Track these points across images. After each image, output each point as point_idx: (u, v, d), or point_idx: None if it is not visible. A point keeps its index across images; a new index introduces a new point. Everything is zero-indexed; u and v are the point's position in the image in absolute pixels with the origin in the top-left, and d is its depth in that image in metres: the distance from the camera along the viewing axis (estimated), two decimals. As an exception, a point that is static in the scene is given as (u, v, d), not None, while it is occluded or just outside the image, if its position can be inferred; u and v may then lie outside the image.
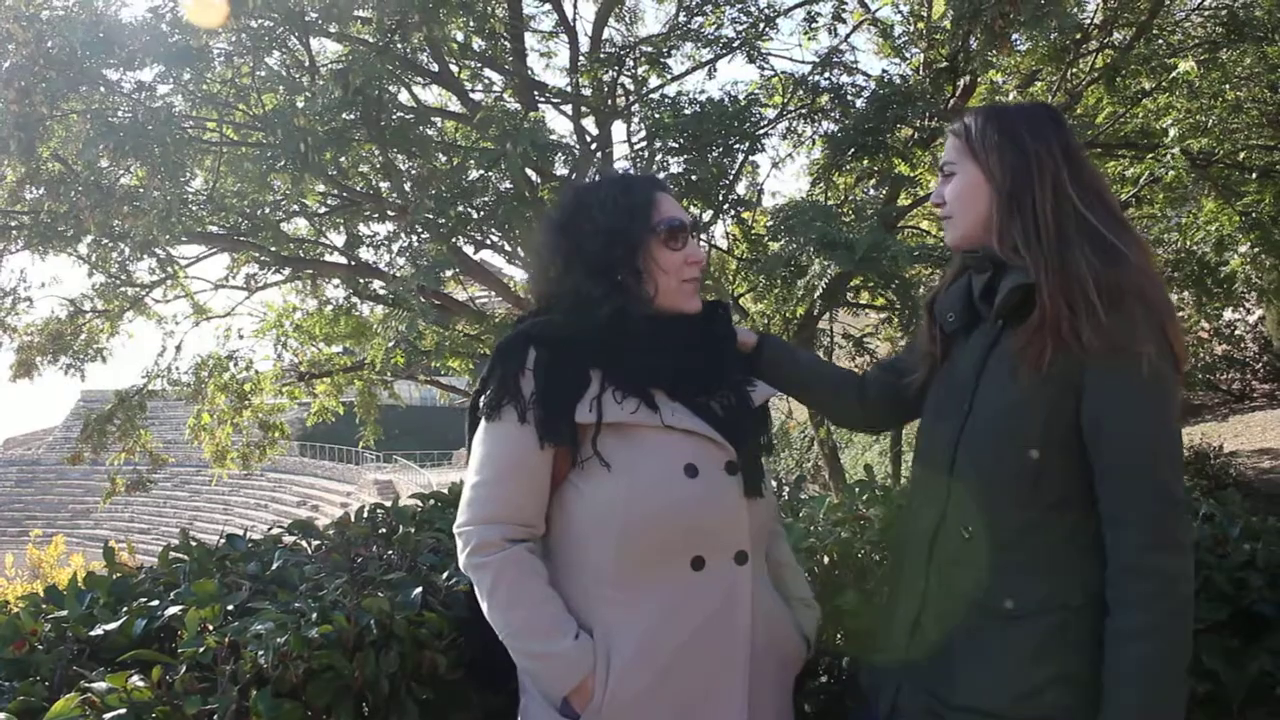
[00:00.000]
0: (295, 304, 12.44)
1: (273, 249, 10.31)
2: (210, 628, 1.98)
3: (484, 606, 1.87)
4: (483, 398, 1.92)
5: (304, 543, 2.78)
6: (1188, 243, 10.81)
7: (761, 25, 8.34)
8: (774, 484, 3.21)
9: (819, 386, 2.31)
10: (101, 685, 1.72)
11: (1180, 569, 1.72)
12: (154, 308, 11.73)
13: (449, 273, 9.27)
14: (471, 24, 8.46)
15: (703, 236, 9.52)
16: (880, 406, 2.25)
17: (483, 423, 1.92)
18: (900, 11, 9.23)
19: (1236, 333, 16.02)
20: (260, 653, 1.86)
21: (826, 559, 2.67)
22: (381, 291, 10.82)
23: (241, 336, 12.23)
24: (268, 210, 9.75)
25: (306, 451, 47.55)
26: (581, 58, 9.39)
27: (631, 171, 7.64)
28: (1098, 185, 1.88)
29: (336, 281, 11.78)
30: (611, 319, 1.90)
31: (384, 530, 2.85)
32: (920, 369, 2.10)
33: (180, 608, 2.08)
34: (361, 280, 11.08)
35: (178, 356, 11.79)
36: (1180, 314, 13.64)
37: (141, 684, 1.75)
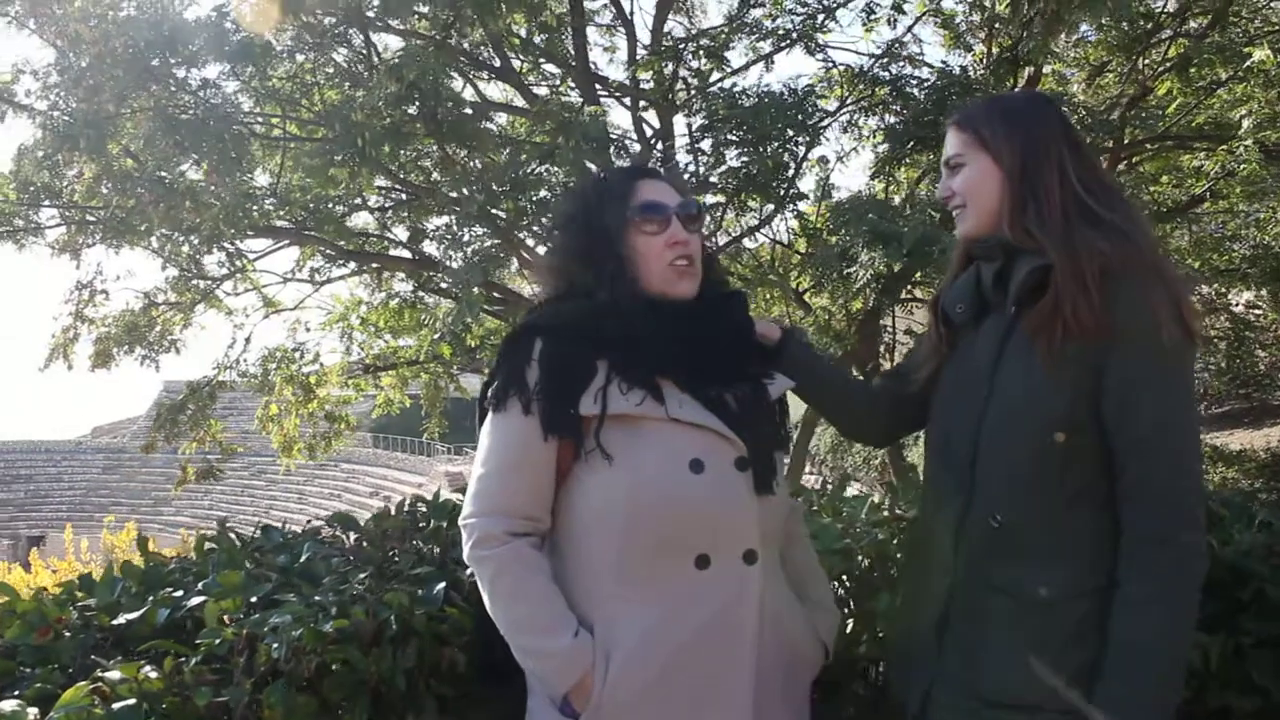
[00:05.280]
0: (362, 297, 12.59)
1: (339, 243, 10.46)
2: (229, 620, 2.00)
3: (485, 600, 1.87)
4: (490, 389, 1.93)
5: (343, 535, 2.80)
6: (1266, 237, 10.50)
7: (820, 17, 8.25)
8: (819, 481, 3.15)
9: (834, 392, 2.29)
10: (114, 675, 1.74)
11: (1197, 544, 1.75)
12: (225, 300, 11.95)
13: (513, 267, 9.34)
14: (529, 18, 8.50)
15: (763, 231, 9.50)
16: (891, 414, 2.26)
17: (489, 414, 1.92)
18: (963, 0, 9.07)
19: (1317, 331, 15.53)
20: (275, 645, 1.87)
21: (866, 561, 2.63)
22: (445, 285, 10.91)
23: (309, 329, 12.42)
24: (331, 205, 9.87)
25: (379, 443, 48.25)
26: (643, 50, 9.38)
27: (657, 165, 7.62)
28: (1097, 170, 1.94)
29: (402, 275, 11.91)
30: (608, 307, 1.90)
31: (423, 524, 2.86)
32: (926, 366, 2.10)
33: (205, 598, 2.11)
34: (425, 274, 11.20)
35: (247, 348, 12.01)
36: (1257, 311, 13.28)
37: (154, 674, 1.77)
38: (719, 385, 1.94)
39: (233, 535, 2.61)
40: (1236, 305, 12.90)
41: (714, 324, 2.00)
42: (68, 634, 2.05)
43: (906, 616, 2.09)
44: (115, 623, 2.06)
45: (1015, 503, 1.84)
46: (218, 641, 1.91)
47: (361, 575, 2.25)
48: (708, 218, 8.51)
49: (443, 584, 2.18)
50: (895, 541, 2.63)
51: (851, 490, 3.29)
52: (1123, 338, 1.75)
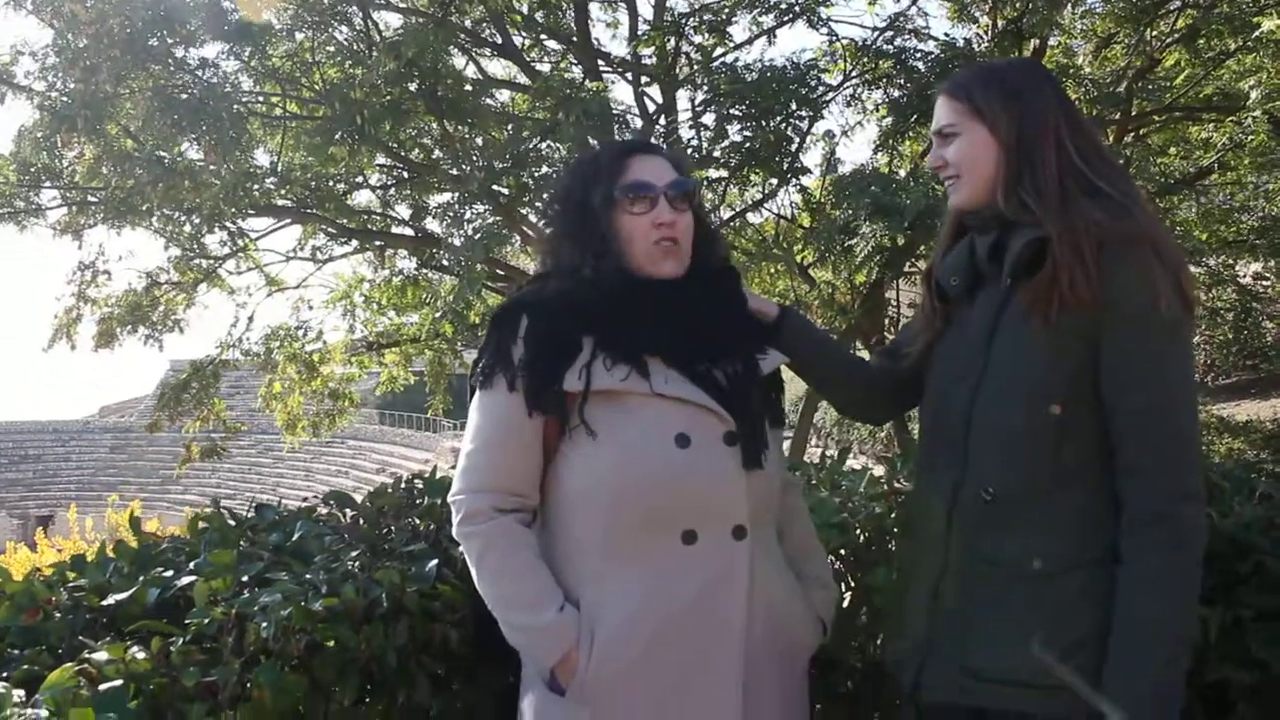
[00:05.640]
0: (365, 275, 12.61)
1: (340, 221, 10.45)
2: (219, 599, 1.99)
3: (474, 576, 1.87)
4: (477, 366, 1.92)
5: (339, 513, 2.78)
6: (1274, 209, 10.44)
7: (822, -11, 8.19)
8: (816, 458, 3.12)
9: (833, 369, 2.27)
10: (101, 655, 1.73)
11: (1196, 518, 1.72)
12: (227, 279, 11.98)
13: (515, 243, 9.34)
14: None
15: (767, 205, 9.46)
16: (887, 391, 2.23)
17: (477, 391, 1.91)
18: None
19: (1325, 303, 15.45)
20: (264, 625, 1.86)
21: (864, 535, 2.61)
22: (447, 262, 10.92)
23: (311, 308, 12.45)
24: (331, 183, 9.86)
25: (386, 419, 48.35)
26: (645, 25, 9.33)
27: (660, 140, 7.58)
28: (1094, 139, 1.89)
29: (405, 252, 11.92)
30: (593, 284, 1.88)
31: (420, 501, 2.84)
32: (920, 340, 2.06)
33: (196, 578, 2.10)
34: (428, 251, 11.20)
35: (249, 327, 12.04)
36: (1265, 282, 13.21)
37: (141, 655, 1.76)
38: (708, 361, 1.92)
39: (226, 514, 2.59)
40: (1244, 277, 12.82)
41: (702, 301, 1.97)
42: (57, 615, 2.03)
43: (901, 590, 2.08)
44: (105, 603, 2.04)
45: (1008, 477, 1.82)
46: (206, 621, 1.90)
47: (354, 553, 2.24)
48: (709, 193, 8.46)
49: (435, 561, 2.16)
50: (893, 515, 2.60)
51: (854, 463, 3.26)
52: (1120, 310, 1.72)
